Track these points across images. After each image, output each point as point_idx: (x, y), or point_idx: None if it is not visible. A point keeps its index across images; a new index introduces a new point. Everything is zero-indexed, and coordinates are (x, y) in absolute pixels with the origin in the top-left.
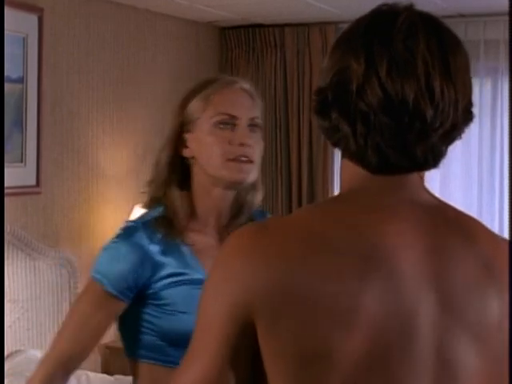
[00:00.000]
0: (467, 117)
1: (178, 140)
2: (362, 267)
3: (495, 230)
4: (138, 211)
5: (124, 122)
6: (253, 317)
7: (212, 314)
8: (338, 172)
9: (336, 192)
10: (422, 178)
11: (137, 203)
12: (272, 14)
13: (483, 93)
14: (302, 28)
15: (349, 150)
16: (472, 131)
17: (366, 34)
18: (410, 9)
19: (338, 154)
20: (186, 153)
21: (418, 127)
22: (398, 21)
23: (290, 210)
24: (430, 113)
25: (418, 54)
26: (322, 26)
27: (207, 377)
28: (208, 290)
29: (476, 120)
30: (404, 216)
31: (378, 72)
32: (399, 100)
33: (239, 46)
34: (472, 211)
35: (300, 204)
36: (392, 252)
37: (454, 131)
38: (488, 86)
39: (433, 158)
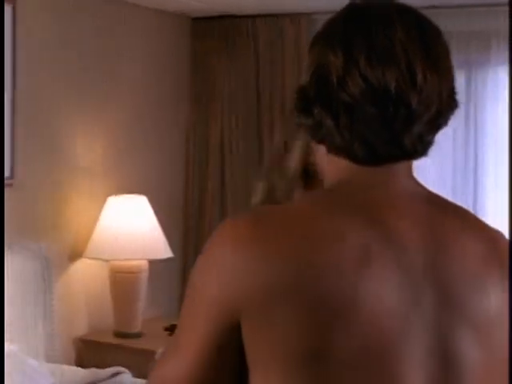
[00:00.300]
0: (451, 103)
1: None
2: (359, 263)
3: None
4: (112, 203)
5: (99, 114)
6: (240, 317)
7: (199, 308)
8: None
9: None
10: (410, 168)
11: (111, 195)
12: (244, 5)
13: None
14: (275, 19)
15: (334, 144)
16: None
17: (343, 27)
18: (385, 1)
19: None
20: (313, 162)
21: (403, 115)
22: (375, 12)
23: None
24: (413, 99)
25: (396, 41)
26: (295, 16)
27: (190, 375)
28: (196, 282)
29: None
30: (399, 209)
31: (358, 62)
32: (381, 88)
33: (211, 36)
34: None
35: None
36: (389, 246)
37: (439, 118)
38: (461, 78)
39: (421, 147)
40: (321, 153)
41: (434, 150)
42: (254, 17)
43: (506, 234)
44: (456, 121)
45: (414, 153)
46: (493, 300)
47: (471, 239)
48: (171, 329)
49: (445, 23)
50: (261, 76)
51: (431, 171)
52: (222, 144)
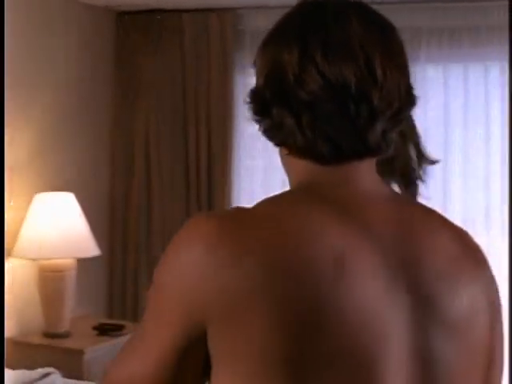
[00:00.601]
0: (410, 99)
1: None
2: (335, 264)
3: None
4: (39, 201)
5: (23, 110)
6: (208, 320)
7: (165, 312)
8: (238, 159)
9: (235, 187)
10: (373, 166)
11: (37, 192)
12: (170, 0)
13: None
14: (200, 14)
15: (296, 144)
16: None
17: (296, 24)
18: None
19: (237, 133)
20: None
21: (366, 111)
22: (330, 9)
23: (187, 203)
24: (375, 95)
25: (353, 36)
26: (221, 11)
27: (151, 377)
28: (162, 282)
29: None
30: (368, 208)
31: (314, 58)
32: (340, 85)
33: (137, 31)
34: None
35: (199, 200)
36: (364, 247)
37: (400, 114)
38: None
39: (385, 143)
40: (283, 160)
41: None
42: (180, 11)
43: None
44: None
45: (378, 149)
46: (465, 299)
47: (440, 237)
48: (100, 328)
49: (393, 19)
50: (187, 71)
51: None
52: (147, 140)
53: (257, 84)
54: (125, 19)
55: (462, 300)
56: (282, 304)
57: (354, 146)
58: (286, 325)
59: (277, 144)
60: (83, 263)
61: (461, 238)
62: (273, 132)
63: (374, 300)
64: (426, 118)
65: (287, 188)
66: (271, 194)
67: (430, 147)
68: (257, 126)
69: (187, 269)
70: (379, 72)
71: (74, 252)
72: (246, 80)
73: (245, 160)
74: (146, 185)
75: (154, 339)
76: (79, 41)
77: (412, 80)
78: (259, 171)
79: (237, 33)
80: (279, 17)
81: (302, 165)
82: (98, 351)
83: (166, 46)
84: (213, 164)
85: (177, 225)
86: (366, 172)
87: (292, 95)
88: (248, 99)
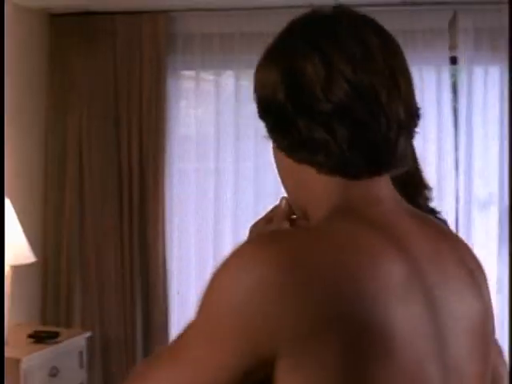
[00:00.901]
0: (418, 112)
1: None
2: (396, 290)
3: None
4: None
5: None
6: (274, 348)
7: (218, 339)
8: (170, 162)
9: (167, 189)
10: (389, 178)
11: None
12: (103, 2)
13: None
14: (134, 16)
15: (329, 158)
16: None
17: (311, 37)
18: (346, 9)
19: (169, 135)
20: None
21: (395, 125)
22: (342, 19)
23: (120, 206)
24: (401, 109)
25: (374, 48)
26: (153, 14)
27: None
28: (218, 305)
29: None
30: (405, 225)
31: (341, 70)
32: (373, 98)
33: (70, 33)
34: None
35: (131, 203)
36: (413, 268)
37: (415, 127)
38: None
39: (406, 157)
40: (301, 177)
41: None
42: (113, 14)
43: None
44: None
45: (404, 163)
46: (479, 311)
47: (457, 252)
48: (35, 335)
49: None
50: (119, 74)
51: None
52: (80, 142)
53: (271, 97)
54: (58, 21)
55: (477, 311)
56: (350, 333)
57: (387, 160)
58: (351, 353)
59: (299, 160)
60: (16, 269)
61: (469, 250)
62: (298, 147)
63: (425, 326)
64: None
65: (221, 190)
66: (203, 196)
67: None
68: (189, 129)
69: (252, 295)
70: (403, 86)
71: (10, 259)
72: (178, 83)
73: (177, 163)
74: (79, 188)
75: (205, 368)
76: (12, 42)
77: None
78: (192, 174)
79: (169, 36)
80: (212, 20)
81: (330, 181)
82: (35, 359)
83: (99, 49)
84: (145, 166)
85: (109, 228)
86: (388, 185)
87: (322, 109)
88: (263, 115)
